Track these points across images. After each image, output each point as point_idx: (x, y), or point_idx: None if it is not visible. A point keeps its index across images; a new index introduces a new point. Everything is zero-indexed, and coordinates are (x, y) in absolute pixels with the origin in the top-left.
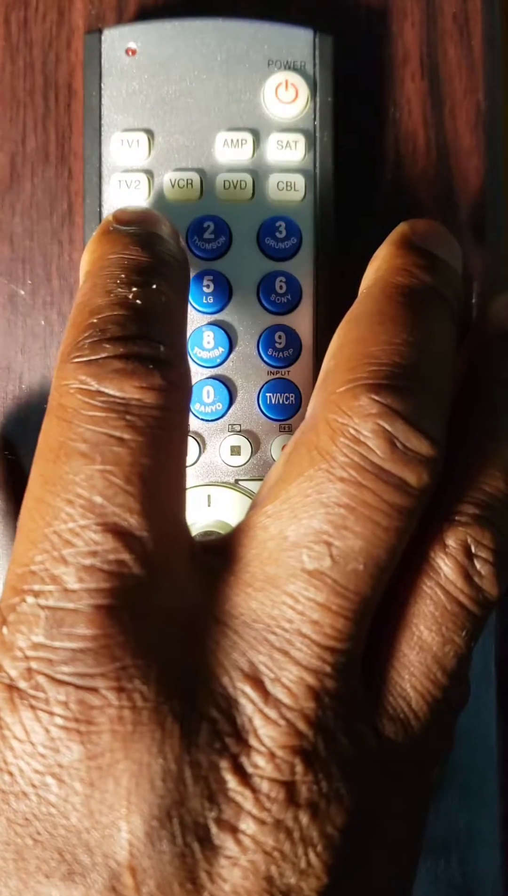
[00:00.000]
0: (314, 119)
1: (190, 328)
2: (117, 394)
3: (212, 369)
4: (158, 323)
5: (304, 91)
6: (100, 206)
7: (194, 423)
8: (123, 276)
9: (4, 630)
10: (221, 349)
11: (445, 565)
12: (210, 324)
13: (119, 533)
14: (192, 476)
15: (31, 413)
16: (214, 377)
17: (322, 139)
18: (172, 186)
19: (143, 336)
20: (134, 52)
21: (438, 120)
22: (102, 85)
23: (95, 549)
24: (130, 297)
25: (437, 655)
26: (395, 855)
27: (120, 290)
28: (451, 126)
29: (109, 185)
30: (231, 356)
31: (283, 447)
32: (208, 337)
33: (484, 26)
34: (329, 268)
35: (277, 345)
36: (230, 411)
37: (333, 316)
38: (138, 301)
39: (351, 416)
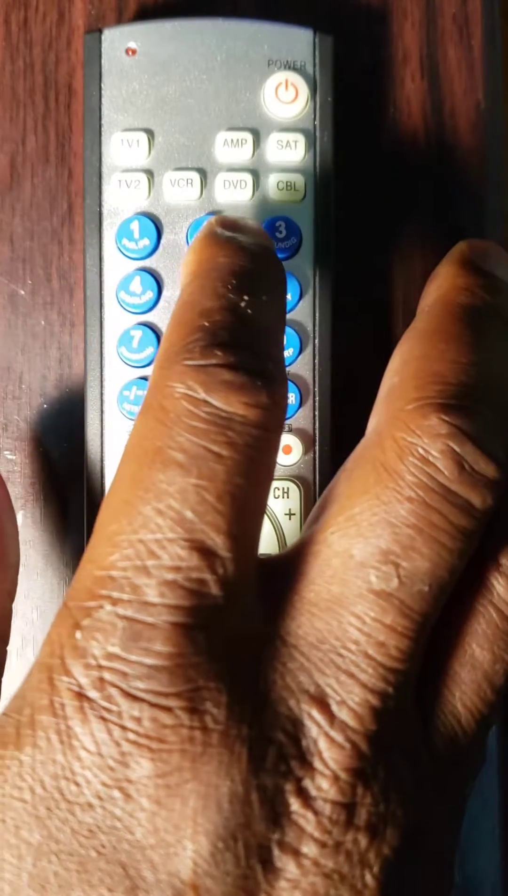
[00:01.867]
0: (314, 119)
1: None
2: (223, 407)
3: None
4: (266, 337)
5: (304, 91)
6: (100, 206)
7: None
8: (233, 282)
9: (78, 634)
10: None
11: (498, 584)
12: None
13: (205, 552)
14: None
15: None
16: None
17: (322, 139)
18: (172, 186)
19: (253, 348)
20: (134, 52)
21: (438, 120)
22: (102, 85)
23: (180, 564)
24: (242, 304)
25: (487, 673)
26: (439, 867)
27: (231, 296)
28: (451, 126)
29: (109, 185)
30: None
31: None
32: None
33: (484, 26)
34: (329, 268)
35: None
36: None
37: (333, 316)
38: (249, 311)
39: (420, 435)
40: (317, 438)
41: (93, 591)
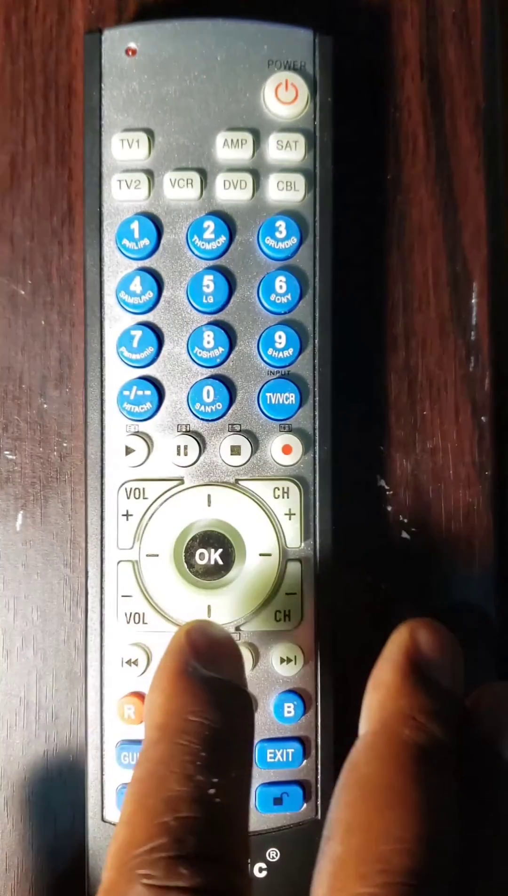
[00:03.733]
0: (314, 119)
1: (190, 328)
2: None
3: (212, 369)
4: (236, 833)
5: (304, 91)
6: (100, 206)
7: (194, 423)
8: (204, 754)
9: None
10: (221, 349)
11: None
12: (210, 324)
13: None
14: (192, 476)
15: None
16: (214, 377)
17: (322, 139)
18: (172, 186)
19: (222, 859)
20: (134, 52)
21: (438, 120)
22: (102, 85)
23: None
24: (212, 792)
25: None
26: None
27: (200, 777)
28: (451, 126)
29: (109, 185)
30: (231, 356)
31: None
32: (208, 337)
33: (484, 26)
34: (329, 268)
35: (277, 345)
36: (230, 411)
37: (333, 316)
38: (218, 799)
39: None
40: (317, 438)
41: None
